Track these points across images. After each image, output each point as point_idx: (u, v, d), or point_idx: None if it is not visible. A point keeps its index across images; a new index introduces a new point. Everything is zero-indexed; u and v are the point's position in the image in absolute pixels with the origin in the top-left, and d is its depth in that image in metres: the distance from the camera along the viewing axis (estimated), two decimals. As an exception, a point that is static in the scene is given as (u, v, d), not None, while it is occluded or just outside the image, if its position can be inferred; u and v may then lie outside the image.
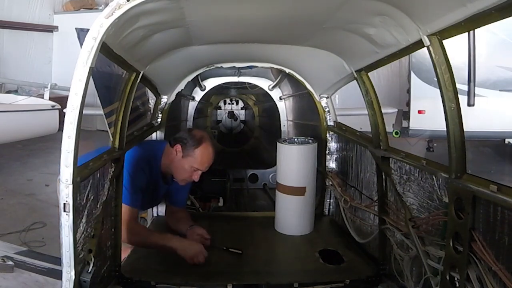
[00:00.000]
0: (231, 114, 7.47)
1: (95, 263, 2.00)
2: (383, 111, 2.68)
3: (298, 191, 3.26)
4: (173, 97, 3.71)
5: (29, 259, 2.70)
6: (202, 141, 2.91)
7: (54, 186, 5.71)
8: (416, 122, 7.43)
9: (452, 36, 1.73)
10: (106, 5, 2.08)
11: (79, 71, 1.67)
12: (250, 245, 3.02)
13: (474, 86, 7.10)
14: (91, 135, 7.15)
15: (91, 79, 1.73)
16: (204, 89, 4.73)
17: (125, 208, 2.57)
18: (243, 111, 7.57)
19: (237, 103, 7.47)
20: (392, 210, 2.51)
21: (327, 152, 3.63)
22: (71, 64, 1.77)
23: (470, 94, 7.08)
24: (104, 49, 1.81)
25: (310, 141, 3.42)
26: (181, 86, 3.70)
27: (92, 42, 1.67)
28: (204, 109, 6.47)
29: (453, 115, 1.82)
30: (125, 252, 2.69)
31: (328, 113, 3.61)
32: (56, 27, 12.63)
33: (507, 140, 7.83)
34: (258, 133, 6.76)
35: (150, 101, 3.83)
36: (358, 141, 3.04)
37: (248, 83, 4.77)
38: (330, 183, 3.53)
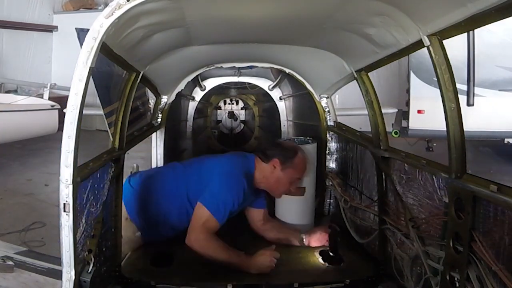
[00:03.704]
0: (231, 114, 7.45)
1: (95, 263, 2.00)
2: (383, 111, 2.68)
3: (298, 191, 3.25)
4: (173, 97, 3.71)
5: (29, 259, 2.70)
6: (296, 151, 2.93)
7: (54, 186, 5.71)
8: (415, 122, 7.41)
9: (452, 36, 1.73)
10: (106, 5, 2.08)
11: (79, 71, 1.67)
12: (250, 245, 3.02)
13: (474, 86, 7.09)
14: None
15: (91, 79, 1.73)
16: (204, 89, 4.73)
17: (213, 222, 2.60)
18: (243, 111, 7.55)
19: (237, 103, 7.46)
20: (392, 210, 2.51)
21: (327, 152, 3.62)
22: (71, 64, 1.76)
23: (469, 94, 7.07)
24: (104, 49, 1.81)
25: (310, 141, 3.42)
26: (181, 86, 3.70)
27: (92, 42, 1.67)
28: (204, 109, 6.46)
29: (453, 115, 1.82)
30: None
31: (328, 113, 3.60)
32: (56, 27, 12.60)
33: (506, 140, 7.82)
34: (258, 133, 6.75)
35: (150, 101, 3.84)
36: (358, 141, 3.03)
37: (248, 83, 4.77)
38: (330, 183, 3.53)
